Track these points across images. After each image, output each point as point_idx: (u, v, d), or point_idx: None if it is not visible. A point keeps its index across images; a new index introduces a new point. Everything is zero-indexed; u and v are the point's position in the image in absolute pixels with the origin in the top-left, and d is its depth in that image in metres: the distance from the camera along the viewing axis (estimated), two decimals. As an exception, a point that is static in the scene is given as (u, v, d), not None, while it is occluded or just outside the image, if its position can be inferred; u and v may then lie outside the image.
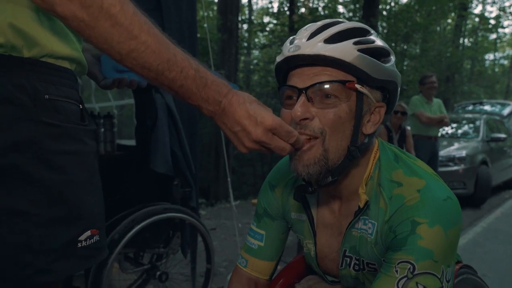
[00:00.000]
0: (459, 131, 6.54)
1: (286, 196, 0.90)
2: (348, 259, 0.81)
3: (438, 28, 13.83)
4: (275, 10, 13.16)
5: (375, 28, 7.82)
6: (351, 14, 11.05)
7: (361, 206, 0.76)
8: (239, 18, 9.18)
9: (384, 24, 10.54)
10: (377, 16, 8.17)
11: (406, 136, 3.97)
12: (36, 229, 0.65)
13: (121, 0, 0.56)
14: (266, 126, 0.63)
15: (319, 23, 0.75)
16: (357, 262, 0.80)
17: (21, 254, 0.64)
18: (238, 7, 8.00)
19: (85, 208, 0.71)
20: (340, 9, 11.85)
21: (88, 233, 0.72)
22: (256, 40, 13.67)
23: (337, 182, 0.75)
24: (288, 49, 0.73)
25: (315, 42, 0.70)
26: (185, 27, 2.05)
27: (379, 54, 0.74)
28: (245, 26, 12.82)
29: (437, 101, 4.51)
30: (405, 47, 11.29)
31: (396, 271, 0.68)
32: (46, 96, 0.65)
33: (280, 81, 0.80)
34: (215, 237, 3.52)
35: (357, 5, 10.37)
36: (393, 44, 10.17)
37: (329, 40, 0.71)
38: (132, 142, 2.83)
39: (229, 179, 2.44)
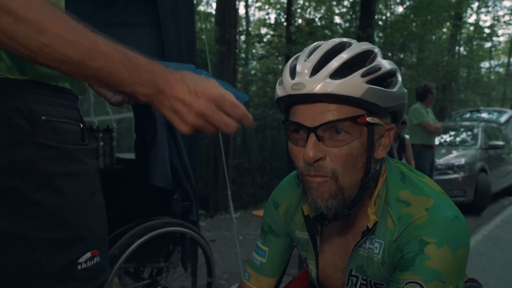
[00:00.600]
0: (457, 139, 6.57)
1: (291, 215, 0.89)
2: (354, 279, 0.80)
3: (433, 37, 13.98)
4: (272, 21, 13.30)
5: (371, 38, 7.90)
6: (347, 24, 11.18)
7: (370, 226, 0.75)
8: (237, 30, 9.26)
9: (381, 34, 10.65)
10: (373, 26, 8.26)
11: (405, 146, 3.97)
12: (34, 253, 0.64)
13: None
14: (208, 96, 0.58)
15: (321, 50, 0.70)
16: (364, 282, 0.78)
17: (18, 278, 0.63)
18: (236, 19, 8.09)
19: (86, 229, 0.69)
20: (337, 19, 11.98)
21: (89, 254, 0.70)
22: (254, 51, 13.78)
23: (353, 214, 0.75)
24: (290, 86, 0.68)
25: (320, 79, 0.66)
26: (183, 40, 2.07)
27: (386, 79, 0.71)
28: (242, 38, 12.93)
29: (430, 110, 4.54)
30: (401, 56, 11.40)
31: None
32: (43, 118, 0.64)
33: (283, 111, 0.76)
34: (215, 249, 3.49)
35: (353, 16, 10.50)
36: (389, 54, 10.27)
37: (335, 75, 0.66)
38: (131, 155, 2.83)
39: (229, 191, 2.43)
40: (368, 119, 0.68)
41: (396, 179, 0.76)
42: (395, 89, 0.71)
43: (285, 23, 10.65)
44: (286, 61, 0.80)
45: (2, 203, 0.61)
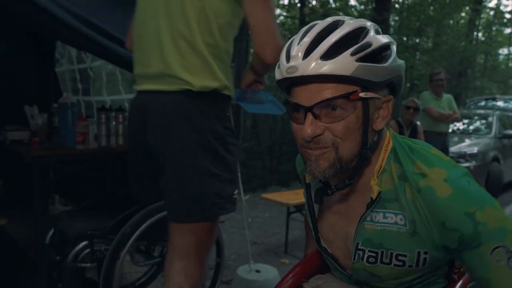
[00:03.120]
0: (471, 127, 6.46)
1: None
2: (361, 252, 0.82)
3: (451, 22, 13.57)
4: (286, 2, 13.03)
5: (386, 22, 7.71)
6: (362, 7, 10.91)
7: (374, 197, 0.78)
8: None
9: (397, 18, 10.38)
10: (389, 9, 8.05)
11: (417, 132, 3.94)
12: (221, 184, 1.33)
13: None
14: None
15: (313, 32, 0.74)
16: (373, 255, 0.81)
17: (213, 197, 1.32)
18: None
19: (235, 177, 1.40)
20: (352, 1, 11.69)
21: (236, 191, 1.39)
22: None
23: (353, 183, 0.79)
24: (286, 69, 0.73)
25: (311, 61, 0.70)
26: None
27: (379, 54, 0.73)
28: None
29: (447, 97, 4.46)
30: (417, 40, 11.11)
31: (497, 260, 0.70)
32: (228, 114, 1.37)
33: (285, 92, 0.81)
34: (224, 230, 3.53)
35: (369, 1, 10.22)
36: (405, 38, 10.03)
37: (326, 56, 0.70)
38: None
39: (239, 174, 2.44)
40: (362, 94, 0.72)
41: (407, 153, 0.79)
42: (387, 63, 0.73)
43: (299, 5, 10.44)
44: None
45: (209, 154, 1.29)
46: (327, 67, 0.69)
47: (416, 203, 0.75)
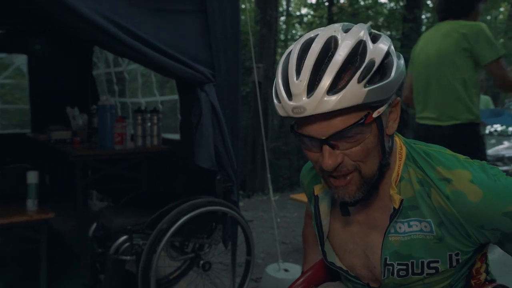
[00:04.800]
0: (510, 129, 6.19)
1: (309, 191, 0.95)
2: (390, 267, 0.79)
3: (488, 18, 13.00)
4: (314, 1, 12.93)
5: (418, 20, 7.51)
6: (392, 4, 10.66)
7: (396, 207, 0.76)
8: (278, 12, 9.14)
9: (429, 15, 10.08)
10: (421, 6, 7.84)
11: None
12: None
13: None
14: None
15: (309, 62, 0.67)
16: (403, 267, 0.78)
17: None
18: (276, 0, 7.97)
19: None
20: (382, -1, 11.43)
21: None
22: (293, 31, 13.54)
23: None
24: (291, 109, 0.67)
25: (318, 99, 0.64)
26: (228, 27, 2.11)
27: (382, 66, 0.68)
28: (282, 18, 12.73)
29: (484, 98, 4.31)
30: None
31: None
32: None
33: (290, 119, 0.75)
34: (253, 229, 3.59)
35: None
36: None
37: (332, 89, 0.64)
38: (174, 136, 2.96)
39: (268, 175, 2.49)
40: (374, 114, 0.68)
41: (425, 158, 0.77)
42: (393, 74, 0.68)
43: (327, 3, 10.34)
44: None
45: None
46: (336, 102, 0.64)
47: (445, 209, 0.73)
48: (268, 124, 7.83)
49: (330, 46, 0.67)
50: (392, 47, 0.71)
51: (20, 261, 2.63)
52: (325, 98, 0.64)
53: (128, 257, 1.73)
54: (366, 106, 0.67)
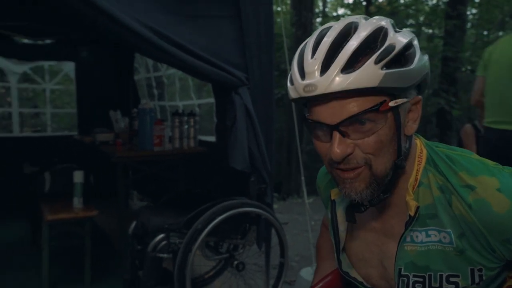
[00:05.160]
0: None
1: (325, 197, 0.91)
2: (405, 279, 0.73)
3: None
4: (351, 0, 12.71)
5: (463, 17, 7.16)
6: (434, 1, 10.24)
7: (412, 214, 0.70)
8: (313, 13, 9.09)
9: (474, 11, 9.58)
10: (466, 3, 7.47)
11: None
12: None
13: None
14: None
15: (326, 42, 0.64)
16: (420, 280, 0.72)
17: None
18: (312, 2, 7.93)
19: None
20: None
21: None
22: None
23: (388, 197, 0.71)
24: (302, 88, 0.63)
25: (331, 76, 0.61)
26: (262, 30, 2.14)
27: (403, 55, 0.64)
28: (318, 20, 12.62)
29: None
30: (500, 33, 10.13)
31: None
32: None
33: (301, 105, 0.71)
34: (287, 232, 3.59)
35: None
36: (485, 33, 9.21)
37: (347, 68, 0.61)
38: (209, 138, 3.03)
39: (303, 177, 2.49)
40: (391, 103, 0.63)
41: (447, 163, 0.70)
42: (414, 65, 0.64)
43: (364, 3, 10.13)
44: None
45: None
46: (350, 81, 0.60)
47: (467, 219, 0.67)
48: (303, 127, 7.77)
49: (350, 31, 0.65)
50: (417, 42, 0.68)
51: (66, 256, 2.80)
52: (339, 76, 0.60)
53: (165, 255, 1.79)
54: (382, 93, 0.63)
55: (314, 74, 0.62)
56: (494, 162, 0.71)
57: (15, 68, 4.19)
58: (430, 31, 9.43)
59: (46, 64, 4.46)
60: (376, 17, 0.68)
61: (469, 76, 8.53)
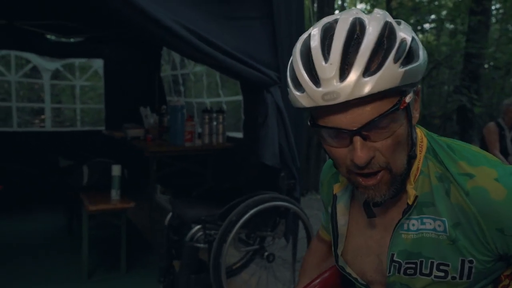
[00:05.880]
0: None
1: (326, 193, 0.91)
2: (397, 265, 0.73)
3: None
4: (371, -4, 12.56)
5: (488, 13, 7.02)
6: (458, -4, 10.03)
7: (410, 202, 0.70)
8: (334, 9, 9.05)
9: (498, 6, 9.36)
10: (491, -3, 7.32)
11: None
12: None
13: None
14: None
15: (338, 43, 0.60)
16: (412, 266, 0.72)
17: None
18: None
19: None
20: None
21: None
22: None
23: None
24: (320, 96, 0.59)
25: (354, 81, 0.58)
26: (293, 30, 2.21)
27: (411, 50, 0.63)
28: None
29: None
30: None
31: None
32: None
33: (308, 112, 0.67)
34: (315, 227, 3.67)
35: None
36: (511, 27, 8.98)
37: (367, 70, 0.58)
38: (236, 134, 3.13)
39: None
40: (407, 99, 0.62)
41: (447, 152, 0.71)
42: (421, 58, 0.62)
43: (385, -1, 10.00)
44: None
45: None
46: (374, 85, 0.58)
47: (464, 207, 0.67)
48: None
49: (356, 28, 0.62)
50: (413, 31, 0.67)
51: (101, 245, 2.95)
52: (361, 82, 0.57)
53: (202, 245, 1.90)
54: (397, 91, 0.61)
55: (332, 81, 0.59)
56: (493, 155, 0.71)
57: (47, 65, 4.38)
58: (452, 26, 9.26)
59: (76, 61, 4.63)
60: (377, 11, 0.65)
61: (493, 72, 8.36)
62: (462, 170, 0.67)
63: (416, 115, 0.69)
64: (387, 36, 0.61)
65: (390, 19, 0.63)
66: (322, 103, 0.60)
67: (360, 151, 0.61)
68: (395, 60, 0.59)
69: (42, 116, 6.42)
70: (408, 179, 0.70)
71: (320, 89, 0.59)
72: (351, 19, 0.62)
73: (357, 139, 0.61)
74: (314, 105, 0.61)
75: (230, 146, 2.85)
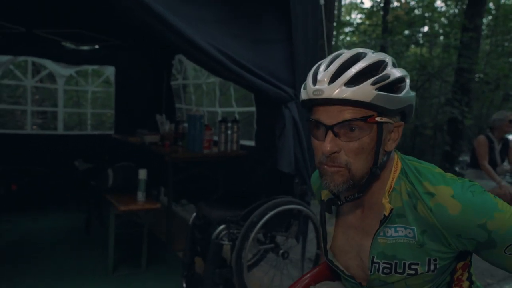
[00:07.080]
0: None
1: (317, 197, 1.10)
2: (377, 265, 0.89)
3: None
4: (365, 5, 12.93)
5: (478, 29, 7.38)
6: (452, 11, 10.45)
7: (387, 214, 0.86)
8: (333, 23, 9.36)
9: (486, 20, 9.74)
10: (482, 14, 7.67)
11: (509, 148, 3.88)
12: None
13: None
14: None
15: (339, 61, 0.82)
16: (387, 266, 0.88)
17: None
18: (333, 12, 8.21)
19: None
20: (439, 2, 11.18)
21: None
22: (341, 37, 13.64)
23: (367, 201, 0.91)
24: (312, 91, 0.81)
25: (337, 86, 0.78)
26: (310, 51, 2.44)
27: (395, 85, 0.82)
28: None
29: None
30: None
31: (510, 254, 0.81)
32: None
33: (307, 111, 0.89)
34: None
35: (459, 3, 9.78)
36: (506, 44, 9.37)
37: (349, 83, 0.78)
38: (246, 142, 3.35)
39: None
40: (377, 118, 0.80)
41: (416, 174, 0.87)
42: (402, 94, 0.82)
43: (382, 12, 10.38)
44: (381, 51, 1.10)
45: None
46: (349, 93, 0.77)
47: (429, 219, 0.82)
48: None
49: (359, 56, 0.83)
50: (408, 80, 0.85)
51: (125, 242, 3.15)
52: (342, 88, 0.78)
53: (226, 242, 2.12)
54: (373, 108, 0.80)
55: (323, 82, 0.80)
56: (451, 174, 0.87)
57: (62, 71, 4.57)
58: (445, 40, 9.63)
59: (90, 68, 4.83)
60: (381, 53, 0.87)
61: (483, 85, 8.72)
62: (426, 189, 0.83)
63: (392, 144, 0.86)
64: (375, 67, 0.82)
65: (389, 60, 0.85)
66: (312, 96, 0.82)
67: (328, 143, 0.80)
68: (373, 83, 0.78)
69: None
70: (383, 194, 0.88)
71: (314, 86, 0.81)
72: (359, 51, 0.85)
73: (329, 133, 0.81)
74: (307, 98, 0.83)
75: (244, 153, 3.07)
